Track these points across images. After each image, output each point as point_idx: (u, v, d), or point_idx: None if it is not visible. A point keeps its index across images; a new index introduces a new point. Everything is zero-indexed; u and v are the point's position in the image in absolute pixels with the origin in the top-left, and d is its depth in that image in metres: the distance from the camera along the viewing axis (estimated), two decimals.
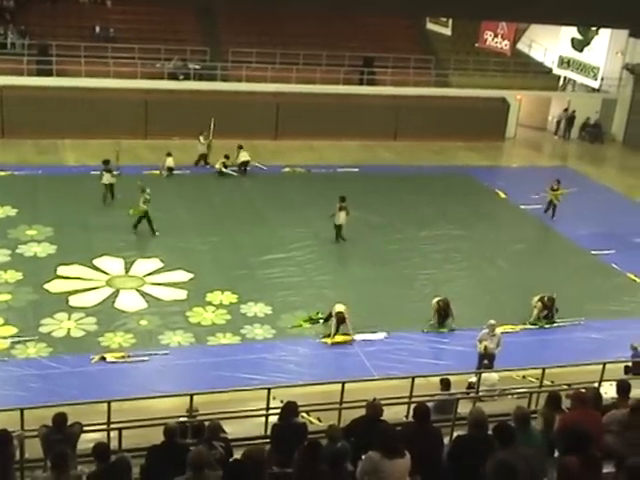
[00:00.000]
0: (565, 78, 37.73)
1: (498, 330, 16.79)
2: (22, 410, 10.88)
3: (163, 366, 16.69)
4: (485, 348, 16.24)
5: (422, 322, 18.91)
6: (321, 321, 18.47)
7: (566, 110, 38.13)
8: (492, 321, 16.57)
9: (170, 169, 27.81)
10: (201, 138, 28.74)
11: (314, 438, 8.60)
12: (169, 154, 27.89)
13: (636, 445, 8.46)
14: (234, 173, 27.95)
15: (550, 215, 26.19)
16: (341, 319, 17.77)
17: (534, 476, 7.62)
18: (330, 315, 18.04)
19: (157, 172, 27.73)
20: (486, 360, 16.01)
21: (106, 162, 24.74)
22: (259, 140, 30.25)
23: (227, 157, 28.13)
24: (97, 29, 32.91)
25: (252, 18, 33.98)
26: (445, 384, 14.09)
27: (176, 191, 26.42)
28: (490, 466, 7.13)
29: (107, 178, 24.65)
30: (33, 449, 9.83)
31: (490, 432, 7.92)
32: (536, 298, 19.48)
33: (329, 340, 17.83)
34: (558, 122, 38.44)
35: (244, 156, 28.53)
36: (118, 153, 25.11)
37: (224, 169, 28.00)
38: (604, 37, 34.62)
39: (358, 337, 18.09)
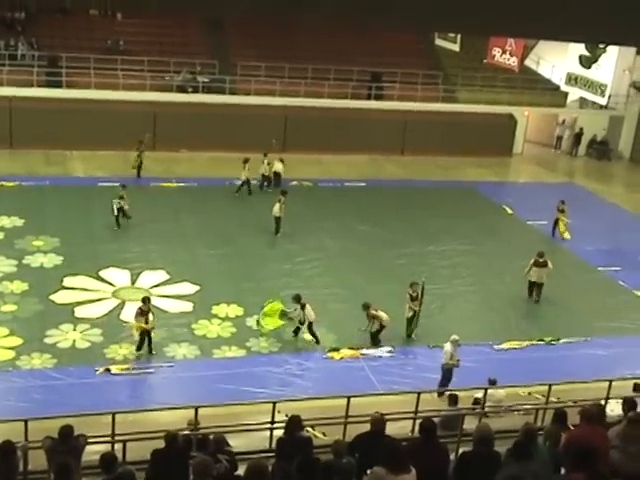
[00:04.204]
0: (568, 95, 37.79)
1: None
2: (26, 421, 10.87)
3: (168, 378, 16.67)
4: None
5: (428, 337, 18.86)
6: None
7: (563, 122, 38.11)
8: (456, 336, 16.49)
9: (277, 174, 28.34)
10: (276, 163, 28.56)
11: (311, 454, 8.59)
12: (281, 160, 28.47)
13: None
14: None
15: (562, 238, 25.94)
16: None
17: None
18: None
19: (165, 184, 27.83)
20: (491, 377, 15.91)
21: (140, 142, 27.80)
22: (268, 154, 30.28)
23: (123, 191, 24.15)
24: (107, 41, 33.10)
25: (261, 32, 34.14)
26: (453, 400, 14.03)
27: (184, 203, 26.47)
28: None
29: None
30: (37, 460, 9.81)
31: (504, 447, 7.89)
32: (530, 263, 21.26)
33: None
34: (559, 137, 38.41)
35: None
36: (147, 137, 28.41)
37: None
38: (612, 54, 34.66)
39: (364, 352, 18.06)
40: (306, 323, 18.12)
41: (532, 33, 10.06)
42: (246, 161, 27.21)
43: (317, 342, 18.24)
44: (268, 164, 28.26)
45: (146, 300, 17.39)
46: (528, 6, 5.32)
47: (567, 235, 25.85)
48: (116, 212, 23.60)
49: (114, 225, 23.64)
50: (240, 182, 27.62)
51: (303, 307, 18.04)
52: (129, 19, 34.62)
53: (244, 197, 27.44)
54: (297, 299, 18.16)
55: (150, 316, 17.15)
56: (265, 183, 28.26)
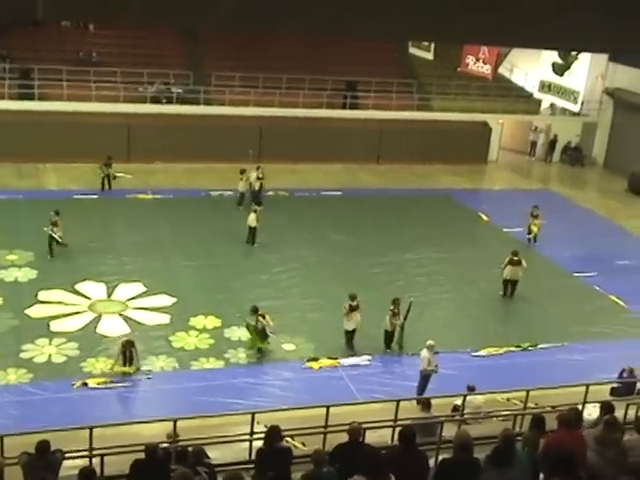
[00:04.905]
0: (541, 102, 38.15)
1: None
2: (2, 437, 10.73)
3: (146, 391, 16.55)
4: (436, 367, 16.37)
5: (406, 345, 18.86)
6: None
7: (536, 129, 38.45)
8: (431, 342, 16.55)
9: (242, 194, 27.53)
10: (253, 174, 27.49)
11: (290, 464, 8.57)
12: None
13: (617, 463, 8.42)
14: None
15: (532, 241, 26.23)
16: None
17: None
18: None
19: (140, 196, 27.71)
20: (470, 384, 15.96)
21: (110, 157, 27.57)
22: (242, 164, 30.26)
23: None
24: (80, 53, 32.92)
25: (235, 42, 34.10)
26: (426, 405, 14.07)
27: (159, 214, 26.33)
28: None
29: (105, 170, 27.68)
30: (13, 477, 9.67)
31: (483, 454, 7.90)
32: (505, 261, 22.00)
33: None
34: (533, 142, 38.74)
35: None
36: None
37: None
38: (584, 62, 35.02)
39: (342, 361, 18.05)
40: (268, 330, 18.06)
41: (506, 41, 10.12)
42: (242, 172, 27.07)
43: (267, 343, 18.24)
44: (258, 178, 27.53)
45: (130, 342, 17.02)
46: (523, 13, 5.32)
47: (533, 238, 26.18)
48: (54, 239, 22.15)
49: (47, 253, 22.16)
50: (239, 193, 27.38)
51: (263, 317, 18.00)
52: (102, 30, 34.43)
53: (225, 208, 27.31)
54: (255, 311, 18.11)
55: (134, 359, 16.88)
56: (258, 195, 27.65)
